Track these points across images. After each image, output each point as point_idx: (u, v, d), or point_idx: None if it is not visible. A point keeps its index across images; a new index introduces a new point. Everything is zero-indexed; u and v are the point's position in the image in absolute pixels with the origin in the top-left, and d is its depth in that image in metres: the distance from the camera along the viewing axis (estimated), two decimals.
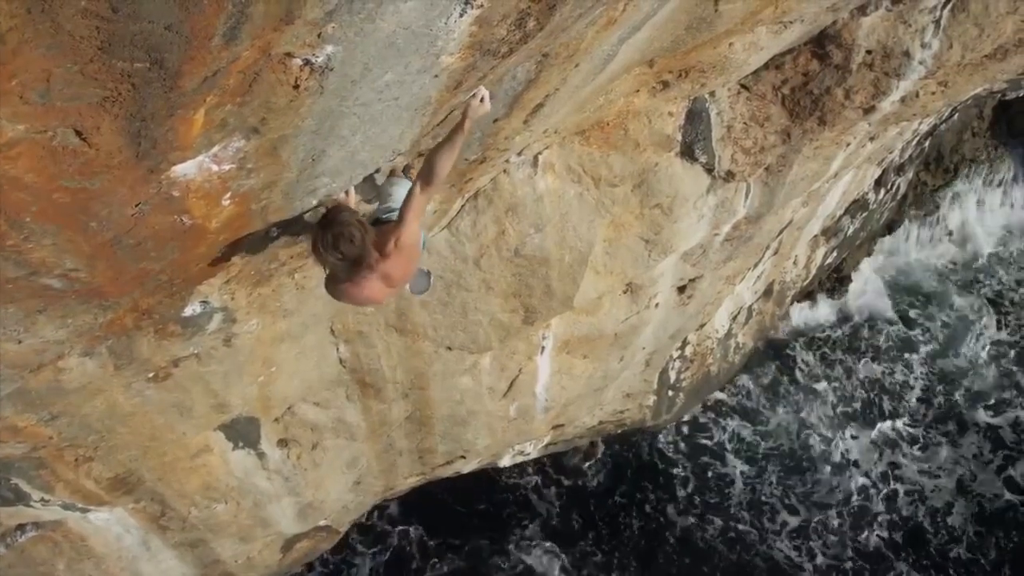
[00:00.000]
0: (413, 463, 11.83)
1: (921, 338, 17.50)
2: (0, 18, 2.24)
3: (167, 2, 2.44)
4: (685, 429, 16.21)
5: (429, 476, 12.79)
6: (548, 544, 15.04)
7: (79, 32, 2.41)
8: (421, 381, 9.94)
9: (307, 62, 3.22)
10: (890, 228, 17.47)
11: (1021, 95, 12.37)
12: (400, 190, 5.20)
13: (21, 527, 8.12)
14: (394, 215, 4.91)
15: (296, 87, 3.32)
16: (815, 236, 14.24)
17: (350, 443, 10.17)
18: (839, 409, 16.66)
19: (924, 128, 12.81)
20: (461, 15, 3.51)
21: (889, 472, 16.00)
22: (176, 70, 2.75)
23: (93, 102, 2.72)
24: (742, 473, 15.92)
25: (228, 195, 4.02)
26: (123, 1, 2.36)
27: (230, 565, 10.61)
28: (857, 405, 16.71)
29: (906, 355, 17.28)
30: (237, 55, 2.91)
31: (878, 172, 13.73)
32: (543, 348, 10.67)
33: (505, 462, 14.13)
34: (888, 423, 16.51)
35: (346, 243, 4.30)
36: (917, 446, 16.28)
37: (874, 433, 16.40)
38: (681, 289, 11.40)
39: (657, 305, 11.11)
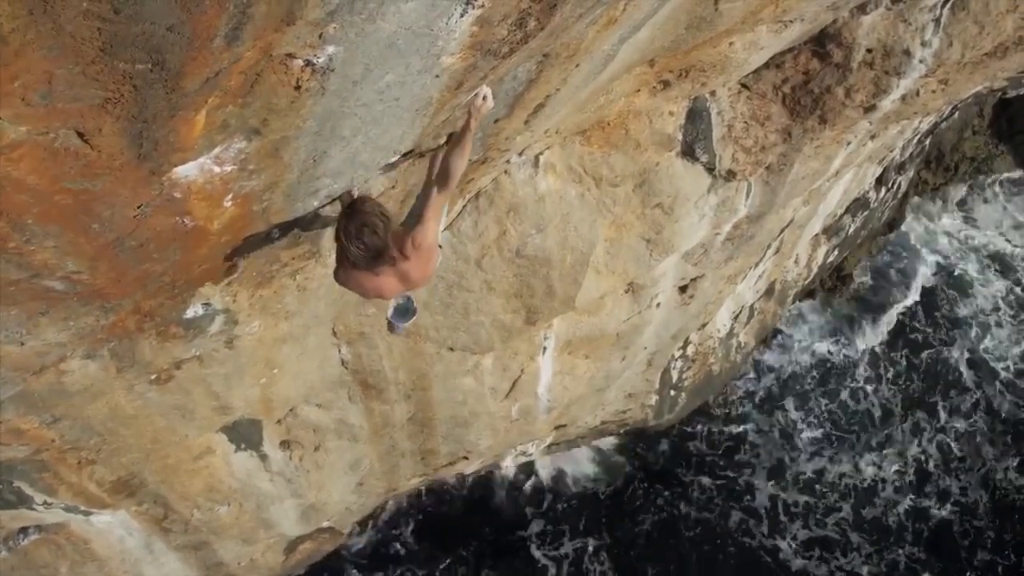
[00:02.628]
0: (415, 464, 11.83)
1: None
2: (2, 19, 2.24)
3: (169, 3, 2.44)
4: (692, 430, 16.20)
5: (432, 477, 12.80)
6: (554, 544, 15.03)
7: (81, 33, 2.41)
8: (423, 382, 9.94)
9: (308, 63, 3.22)
10: (891, 226, 17.47)
11: (1022, 93, 12.35)
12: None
13: (24, 530, 8.12)
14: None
15: (297, 88, 3.32)
16: (816, 235, 14.24)
17: (352, 444, 10.17)
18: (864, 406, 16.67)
19: (925, 126, 12.80)
20: (462, 15, 3.51)
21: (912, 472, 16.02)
22: (178, 71, 2.75)
23: (95, 103, 2.72)
24: (762, 474, 15.93)
25: (230, 196, 4.02)
26: (125, 2, 2.36)
27: (233, 567, 10.62)
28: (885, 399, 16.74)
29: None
30: (239, 56, 2.91)
31: (879, 170, 13.72)
32: (545, 348, 10.67)
33: (507, 463, 14.16)
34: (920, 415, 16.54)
35: (370, 234, 4.26)
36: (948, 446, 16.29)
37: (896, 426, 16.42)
38: (683, 289, 11.40)
39: (659, 305, 11.11)
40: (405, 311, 5.81)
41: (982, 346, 17.29)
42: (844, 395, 16.74)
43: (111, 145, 2.99)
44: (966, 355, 17.17)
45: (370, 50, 3.37)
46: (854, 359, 17.10)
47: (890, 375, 16.94)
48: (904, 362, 17.14)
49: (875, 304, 17.59)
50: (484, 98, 4.59)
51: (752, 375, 16.74)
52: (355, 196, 5.18)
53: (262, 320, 6.79)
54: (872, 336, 17.28)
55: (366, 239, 4.25)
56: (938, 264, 18.08)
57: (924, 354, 17.20)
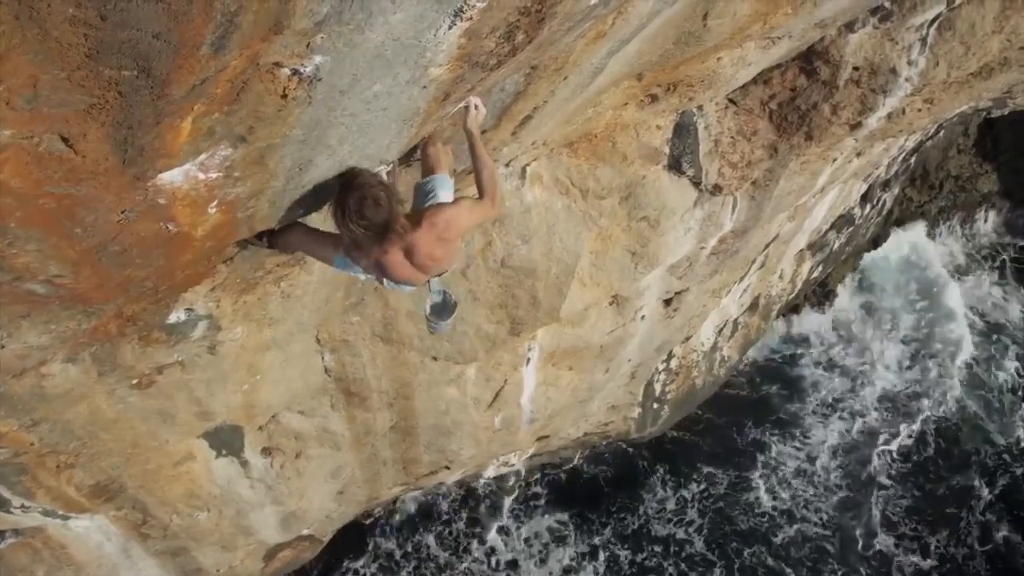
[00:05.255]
0: (397, 473, 11.80)
1: None
2: None
3: (156, 10, 2.44)
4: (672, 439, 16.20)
5: (413, 486, 12.77)
6: (537, 551, 15.01)
7: (67, 39, 2.40)
8: (406, 391, 9.92)
9: (295, 72, 3.22)
10: (875, 243, 17.55)
11: (1006, 113, 12.45)
12: (443, 193, 4.94)
13: (0, 534, 8.06)
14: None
15: (284, 97, 3.32)
16: (801, 250, 14.29)
17: (334, 452, 10.14)
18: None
19: (910, 144, 12.88)
20: (450, 27, 3.51)
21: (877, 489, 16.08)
22: (164, 78, 2.74)
23: (80, 109, 2.72)
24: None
25: (214, 203, 4.01)
26: (111, 9, 2.36)
27: (212, 574, 10.56)
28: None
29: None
30: (225, 64, 2.90)
31: (864, 187, 13.79)
32: (529, 359, 10.67)
33: (489, 473, 14.13)
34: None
35: (371, 207, 4.00)
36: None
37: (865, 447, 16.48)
38: (667, 302, 11.42)
39: (643, 318, 11.13)
40: (443, 307, 5.16)
41: None
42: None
43: (96, 150, 2.98)
44: None
45: (358, 60, 3.38)
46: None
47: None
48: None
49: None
50: (476, 107, 4.60)
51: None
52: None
53: (245, 326, 6.77)
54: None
55: (368, 212, 4.02)
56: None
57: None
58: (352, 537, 14.39)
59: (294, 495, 10.21)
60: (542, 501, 15.40)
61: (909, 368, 17.45)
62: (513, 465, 14.16)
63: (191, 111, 3.10)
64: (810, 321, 17.65)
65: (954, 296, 18.15)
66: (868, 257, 17.94)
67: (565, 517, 15.36)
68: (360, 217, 4.03)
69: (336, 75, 3.39)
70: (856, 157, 10.52)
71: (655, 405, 14.35)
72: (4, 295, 3.90)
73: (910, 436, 16.66)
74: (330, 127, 3.88)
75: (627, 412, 13.93)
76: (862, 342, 17.66)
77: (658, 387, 14.00)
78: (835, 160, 9.91)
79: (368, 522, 14.67)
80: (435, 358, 9.62)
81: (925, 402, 17.04)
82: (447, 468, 12.29)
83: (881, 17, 8.02)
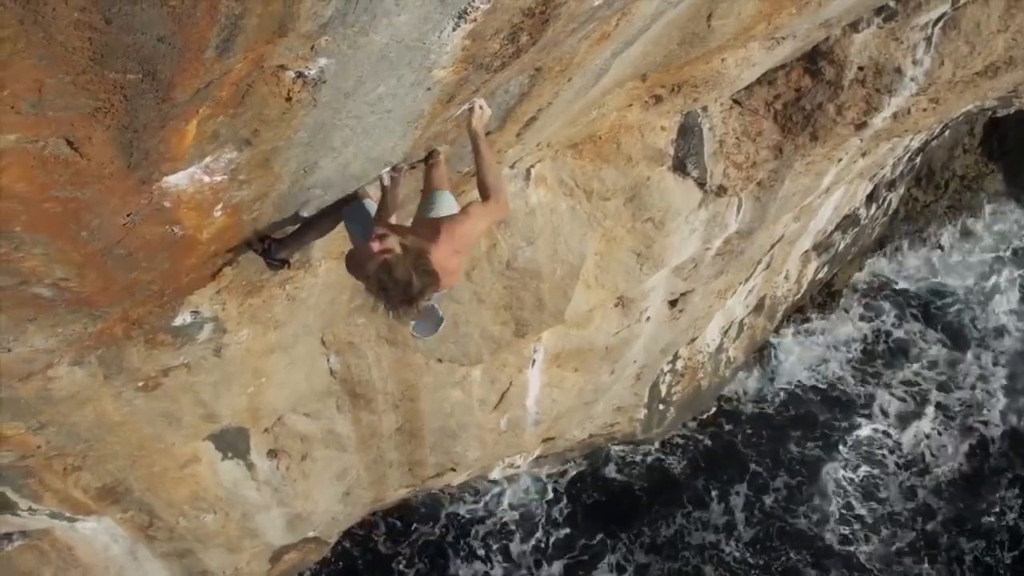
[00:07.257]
0: (403, 475, 11.80)
1: None
2: None
3: (160, 14, 2.44)
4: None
5: (419, 488, 12.76)
6: (544, 554, 14.98)
7: (72, 43, 2.40)
8: (412, 393, 9.92)
9: (300, 75, 3.22)
10: (881, 243, 17.51)
11: (1012, 112, 12.41)
12: (446, 206, 4.91)
13: (8, 536, 8.08)
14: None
15: (289, 99, 3.32)
16: (806, 251, 14.26)
17: (340, 454, 10.14)
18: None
19: (915, 144, 12.85)
20: (454, 29, 3.52)
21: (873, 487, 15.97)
22: (169, 81, 2.75)
23: (85, 112, 2.72)
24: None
25: (219, 206, 4.02)
26: (116, 13, 2.36)
27: None
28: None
29: None
30: (230, 67, 2.90)
31: (870, 187, 13.76)
32: (534, 361, 10.66)
33: (495, 475, 14.10)
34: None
35: (391, 280, 3.85)
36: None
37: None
38: (672, 303, 11.41)
39: (648, 319, 11.12)
40: (432, 316, 5.01)
41: None
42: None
43: (101, 154, 2.98)
44: None
45: (362, 63, 3.38)
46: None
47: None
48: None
49: None
50: (480, 108, 4.60)
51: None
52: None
53: (251, 329, 6.78)
54: None
55: (397, 286, 3.86)
56: None
57: None
58: (358, 540, 14.39)
59: (300, 497, 10.21)
60: (574, 513, 15.29)
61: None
62: (519, 467, 14.14)
63: (196, 114, 3.10)
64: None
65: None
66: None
67: (598, 532, 15.24)
68: (383, 280, 3.90)
69: (340, 77, 3.40)
70: (861, 157, 10.50)
71: (661, 406, 14.33)
72: (10, 299, 3.91)
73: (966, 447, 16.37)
74: (335, 129, 3.89)
75: (633, 413, 13.91)
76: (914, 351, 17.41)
77: (664, 388, 13.98)
78: (840, 160, 9.90)
79: (375, 525, 14.65)
80: (440, 360, 9.62)
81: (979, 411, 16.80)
82: (453, 470, 12.28)
83: (886, 17, 8.01)
